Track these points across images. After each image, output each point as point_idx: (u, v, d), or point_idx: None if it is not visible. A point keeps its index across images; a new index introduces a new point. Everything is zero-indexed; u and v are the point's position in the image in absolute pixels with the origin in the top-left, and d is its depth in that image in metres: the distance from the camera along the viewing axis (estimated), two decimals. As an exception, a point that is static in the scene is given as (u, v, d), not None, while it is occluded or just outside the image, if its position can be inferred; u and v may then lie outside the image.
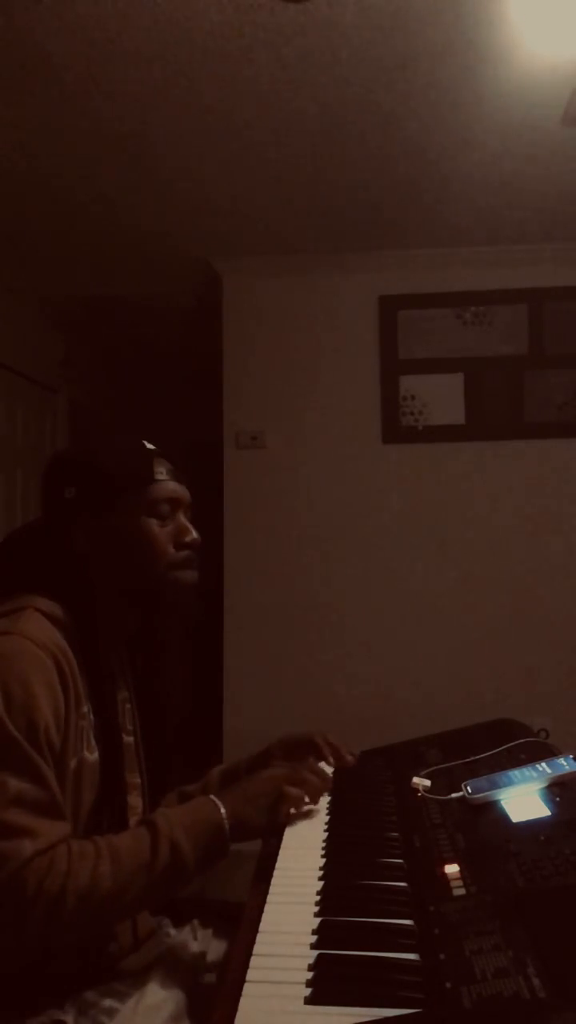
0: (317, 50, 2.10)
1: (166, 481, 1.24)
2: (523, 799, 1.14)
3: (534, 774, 1.19)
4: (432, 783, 1.29)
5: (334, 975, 0.82)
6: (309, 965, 0.84)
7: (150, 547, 1.21)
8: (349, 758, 1.45)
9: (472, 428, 3.46)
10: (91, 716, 1.14)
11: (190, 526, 1.25)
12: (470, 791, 1.19)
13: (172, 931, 1.28)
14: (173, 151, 2.61)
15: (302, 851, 1.12)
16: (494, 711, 1.79)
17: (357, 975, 0.82)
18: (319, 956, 0.85)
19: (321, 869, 1.07)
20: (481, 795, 1.17)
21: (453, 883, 0.95)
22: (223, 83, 2.24)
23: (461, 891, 0.93)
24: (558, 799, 1.12)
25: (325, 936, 0.90)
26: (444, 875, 0.98)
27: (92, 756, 1.13)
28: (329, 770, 1.41)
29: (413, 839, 1.12)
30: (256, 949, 0.88)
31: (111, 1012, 1.07)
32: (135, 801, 1.22)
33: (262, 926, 0.93)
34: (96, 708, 1.15)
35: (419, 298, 3.49)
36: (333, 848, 1.13)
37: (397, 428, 3.50)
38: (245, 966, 0.84)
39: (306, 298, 3.56)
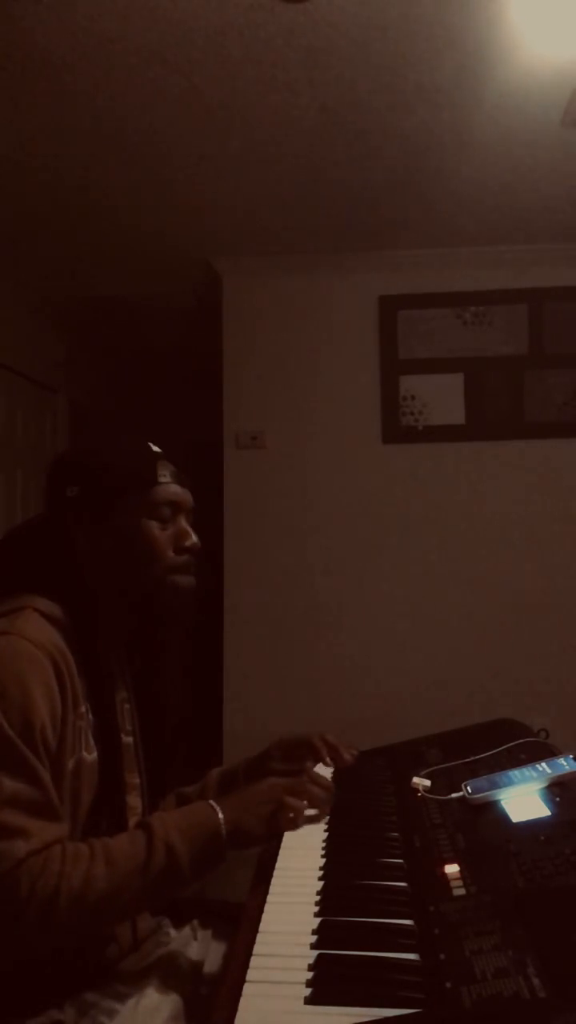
0: (317, 50, 2.10)
1: (169, 484, 1.24)
2: (523, 799, 1.14)
3: (534, 774, 1.19)
4: (432, 783, 1.29)
5: (334, 975, 0.82)
6: (309, 965, 0.84)
7: (149, 549, 1.21)
8: (348, 757, 1.44)
9: (472, 428, 3.46)
10: (90, 716, 1.14)
11: (191, 530, 1.25)
12: (470, 791, 1.19)
13: (172, 931, 1.28)
14: (173, 151, 2.61)
15: (302, 851, 1.12)
16: (494, 711, 1.78)
17: (357, 975, 0.82)
18: (319, 956, 0.85)
19: (321, 869, 1.07)
20: (481, 795, 1.17)
21: (453, 883, 0.95)
22: (223, 83, 2.24)
23: (461, 891, 0.93)
24: (558, 799, 1.12)
25: (325, 936, 0.90)
26: (444, 875, 0.98)
27: (90, 756, 1.12)
28: (328, 771, 1.41)
29: (413, 839, 1.12)
30: (256, 949, 0.88)
31: (111, 1013, 1.07)
32: (134, 801, 1.22)
33: (262, 926, 0.93)
34: (95, 708, 1.15)
35: (419, 298, 3.49)
36: (333, 848, 1.13)
37: (397, 428, 3.50)
38: (245, 966, 0.85)
39: (306, 298, 3.56)
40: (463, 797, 1.19)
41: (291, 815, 1.16)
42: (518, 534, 3.44)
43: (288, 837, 1.16)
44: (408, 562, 3.47)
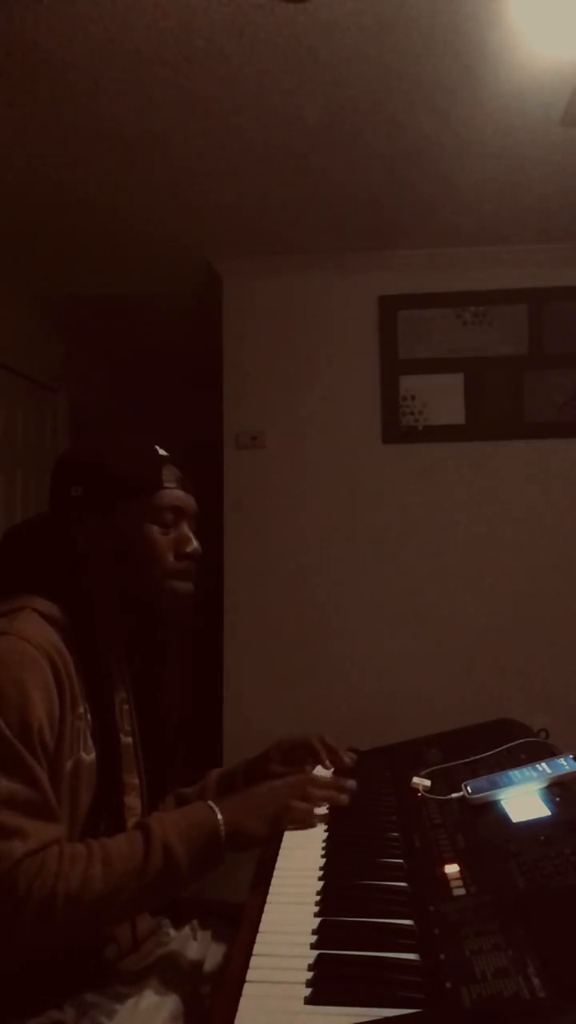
0: (317, 50, 2.10)
1: (173, 489, 1.24)
2: (523, 799, 1.14)
3: (534, 774, 1.19)
4: (432, 783, 1.29)
5: (334, 975, 0.82)
6: (309, 965, 0.84)
7: (150, 553, 1.21)
8: (347, 760, 1.44)
9: (472, 428, 3.46)
10: (88, 717, 1.13)
11: (192, 537, 1.25)
12: (470, 791, 1.19)
13: (172, 931, 1.28)
14: (173, 151, 2.61)
15: (302, 851, 1.12)
16: (494, 711, 1.78)
17: (357, 975, 0.82)
18: (319, 956, 0.85)
19: (321, 869, 1.07)
20: (481, 795, 1.17)
21: (453, 883, 0.95)
22: (223, 83, 2.24)
23: (461, 891, 0.93)
24: (558, 799, 1.12)
25: (325, 936, 0.90)
26: (444, 875, 0.98)
27: (89, 757, 1.12)
28: (327, 773, 1.41)
29: (413, 839, 1.12)
30: (256, 949, 0.88)
31: (110, 1013, 1.07)
32: (133, 802, 1.21)
33: (262, 926, 0.93)
34: (93, 709, 1.14)
35: (419, 298, 3.49)
36: (333, 848, 1.13)
37: (397, 428, 3.50)
38: (245, 966, 0.84)
39: (306, 298, 3.56)
40: (463, 797, 1.19)
41: (296, 817, 1.16)
42: (518, 534, 3.44)
43: (288, 837, 1.16)
44: (408, 562, 3.47)
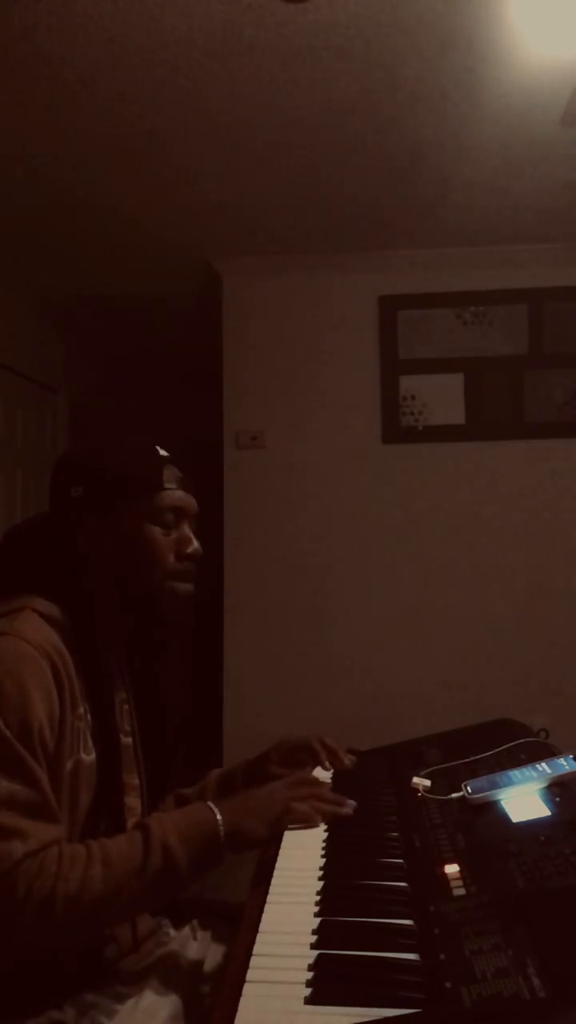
0: (317, 50, 2.10)
1: (174, 490, 1.24)
2: (523, 799, 1.14)
3: (534, 774, 1.19)
4: (432, 783, 1.29)
5: (334, 975, 0.82)
6: (309, 965, 0.84)
7: (151, 554, 1.21)
8: (347, 762, 1.44)
9: (472, 428, 3.46)
10: (88, 717, 1.13)
11: (193, 537, 1.25)
12: (470, 791, 1.19)
13: (172, 932, 1.28)
14: (173, 151, 2.61)
15: (302, 851, 1.12)
16: (494, 711, 1.78)
17: (357, 975, 0.82)
18: (319, 956, 0.85)
19: (321, 869, 1.07)
20: (481, 795, 1.17)
21: (453, 883, 0.95)
22: (223, 83, 2.24)
23: (461, 891, 0.93)
24: (558, 799, 1.12)
25: (325, 936, 0.90)
26: (444, 875, 0.98)
27: (89, 757, 1.12)
28: (327, 775, 1.41)
29: (413, 839, 1.12)
30: (256, 949, 0.88)
31: (110, 1013, 1.07)
32: (133, 802, 1.21)
33: (262, 926, 0.93)
34: (93, 709, 1.14)
35: (419, 298, 3.49)
36: (333, 848, 1.13)
37: (397, 428, 3.50)
38: (245, 966, 0.84)
39: (306, 298, 3.56)
40: (463, 797, 1.19)
41: (297, 821, 1.16)
42: (518, 534, 3.44)
43: (288, 837, 1.16)
44: (408, 562, 3.47)
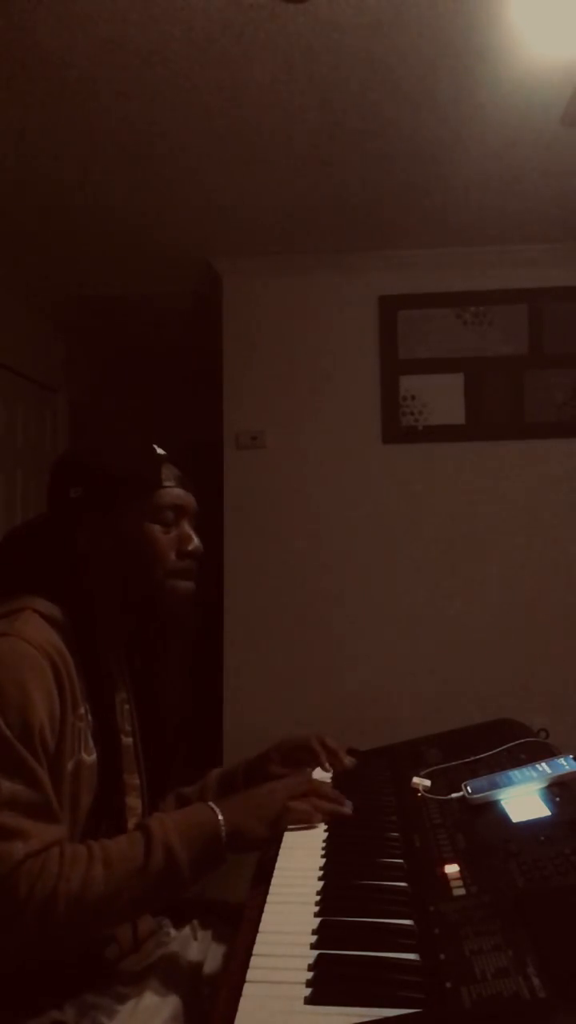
0: (317, 50, 2.10)
1: (173, 488, 1.24)
2: (523, 799, 1.14)
3: (534, 774, 1.19)
4: (432, 783, 1.29)
5: (334, 975, 0.82)
6: (309, 965, 0.84)
7: (151, 552, 1.21)
8: (347, 762, 1.44)
9: (472, 428, 3.46)
10: (89, 717, 1.13)
11: (193, 535, 1.25)
12: (470, 791, 1.19)
13: (172, 932, 1.28)
14: (173, 151, 2.61)
15: (302, 851, 1.12)
16: (494, 711, 1.78)
17: (357, 975, 0.82)
18: (319, 956, 0.85)
19: (321, 869, 1.07)
20: (481, 795, 1.17)
21: (453, 883, 0.95)
22: (223, 83, 2.24)
23: (461, 891, 0.93)
24: (558, 799, 1.12)
25: (325, 936, 0.90)
26: (444, 875, 0.98)
27: (90, 758, 1.12)
28: (327, 775, 1.41)
29: (413, 839, 1.12)
30: (256, 949, 0.88)
31: (111, 1013, 1.07)
32: (134, 802, 1.21)
33: (262, 926, 0.93)
34: (94, 709, 1.14)
35: (419, 298, 3.49)
36: (333, 848, 1.13)
37: (397, 428, 3.50)
38: (245, 966, 0.84)
39: (306, 298, 3.56)
40: (463, 797, 1.19)
41: (296, 820, 1.16)
42: (518, 534, 3.44)
43: (288, 837, 1.16)
44: (408, 562, 3.47)
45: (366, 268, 3.51)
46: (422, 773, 1.33)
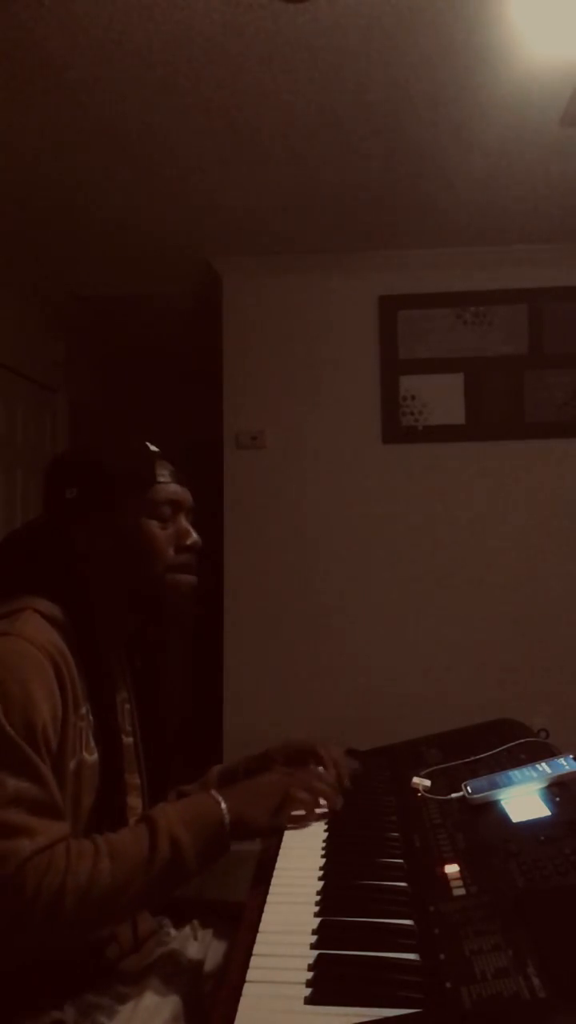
0: (317, 50, 2.10)
1: (168, 483, 1.24)
2: (523, 799, 1.14)
3: (534, 774, 1.19)
4: (432, 783, 1.29)
5: (334, 975, 0.82)
6: (309, 965, 0.84)
7: (150, 549, 1.21)
8: (346, 783, 1.37)
9: (472, 428, 3.46)
10: (90, 717, 1.14)
11: (191, 529, 1.26)
12: (470, 791, 1.19)
13: (172, 931, 1.28)
14: (174, 151, 2.61)
15: (302, 851, 1.12)
16: (494, 711, 1.78)
17: (357, 975, 0.82)
18: (319, 956, 0.85)
19: (321, 869, 1.07)
20: (481, 795, 1.17)
21: (453, 883, 0.96)
22: (223, 83, 2.24)
23: (461, 891, 0.93)
24: (558, 799, 1.12)
25: (325, 936, 0.90)
26: (444, 875, 0.98)
27: (91, 757, 1.12)
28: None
29: (413, 839, 1.12)
30: (256, 949, 0.88)
31: (111, 1013, 1.07)
32: (135, 802, 1.22)
33: (262, 926, 0.93)
34: (95, 709, 1.15)
35: (419, 298, 3.49)
36: (333, 848, 1.13)
37: (397, 428, 3.50)
38: (245, 966, 0.85)
39: (306, 298, 3.56)
40: (463, 797, 1.19)
41: (297, 808, 1.16)
42: (518, 534, 3.44)
43: (288, 837, 1.16)
44: (408, 562, 3.47)
45: (366, 268, 3.51)
46: (422, 773, 1.33)
